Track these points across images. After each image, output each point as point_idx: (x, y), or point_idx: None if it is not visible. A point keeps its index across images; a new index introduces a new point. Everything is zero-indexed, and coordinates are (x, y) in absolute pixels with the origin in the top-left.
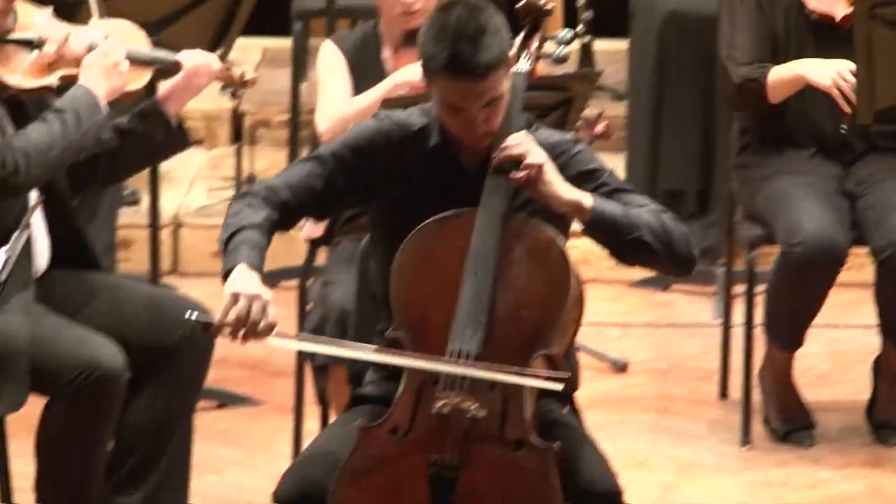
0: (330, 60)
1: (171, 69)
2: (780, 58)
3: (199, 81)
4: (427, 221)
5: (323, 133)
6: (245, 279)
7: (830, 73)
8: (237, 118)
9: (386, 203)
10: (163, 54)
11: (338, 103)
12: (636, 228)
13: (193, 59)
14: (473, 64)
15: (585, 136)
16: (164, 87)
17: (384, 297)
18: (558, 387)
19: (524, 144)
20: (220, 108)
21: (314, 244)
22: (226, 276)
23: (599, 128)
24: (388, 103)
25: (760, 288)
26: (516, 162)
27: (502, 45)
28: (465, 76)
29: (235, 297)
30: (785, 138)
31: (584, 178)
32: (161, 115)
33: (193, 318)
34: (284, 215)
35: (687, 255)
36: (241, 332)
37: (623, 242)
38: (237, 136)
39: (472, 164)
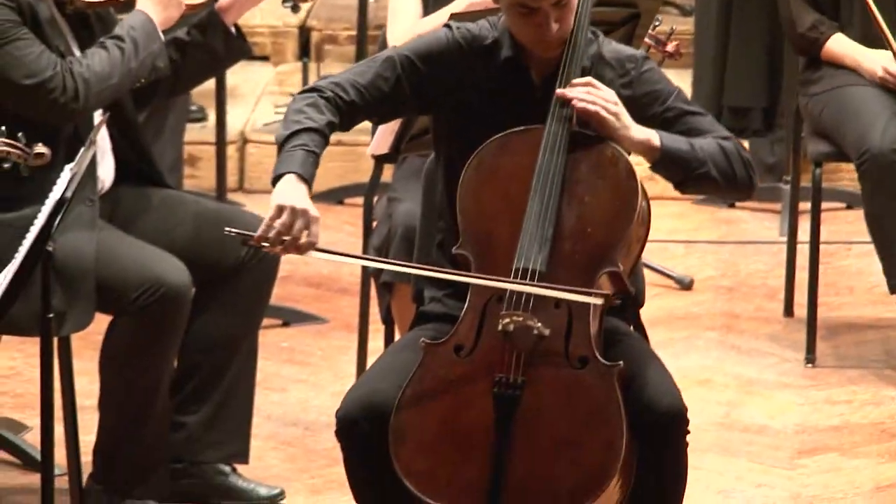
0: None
1: None
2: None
3: None
4: (494, 137)
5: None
6: (293, 191)
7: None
8: (304, 33)
9: (452, 115)
10: None
11: (410, 21)
12: (702, 164)
13: None
14: None
15: (656, 56)
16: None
17: (450, 213)
18: (619, 302)
19: (594, 92)
20: (287, 24)
21: (380, 160)
22: (275, 180)
23: (670, 47)
24: (457, 16)
25: (827, 205)
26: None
27: None
28: None
29: (280, 210)
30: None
31: (652, 97)
32: (220, 24)
33: (232, 233)
34: (347, 117)
35: (748, 184)
36: (280, 247)
37: (689, 177)
38: (304, 51)
39: (539, 78)
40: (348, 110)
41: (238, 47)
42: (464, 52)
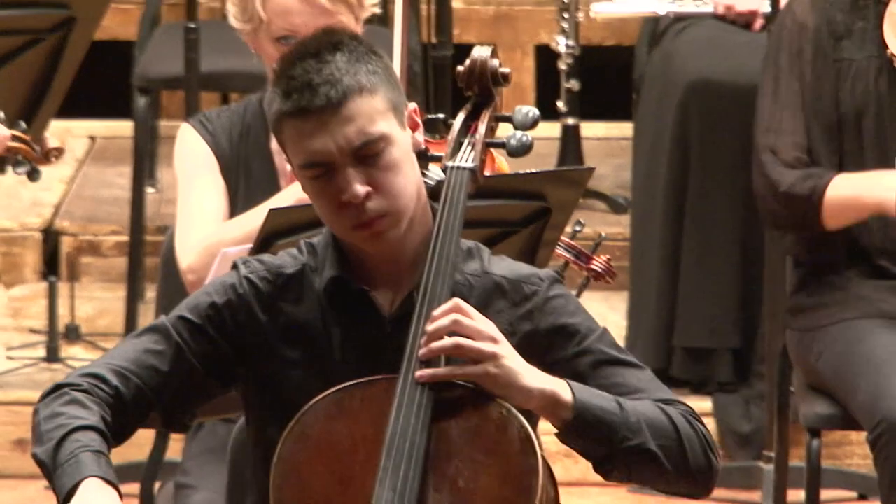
0: (192, 156)
1: None
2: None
3: None
4: (322, 395)
5: (187, 270)
6: (106, 499)
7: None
8: (50, 239)
9: (265, 378)
10: None
11: (207, 225)
12: (635, 433)
13: None
14: (317, 86)
15: (577, 276)
16: None
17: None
18: None
19: (461, 324)
20: (26, 226)
21: (164, 429)
22: (67, 498)
23: (598, 263)
24: (274, 215)
25: (829, 494)
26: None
27: (370, 67)
28: (313, 109)
29: None
30: (860, 261)
31: (562, 336)
32: None
33: None
34: (117, 414)
35: (706, 472)
36: None
37: (615, 453)
38: (50, 267)
39: (388, 302)
40: (116, 405)
41: None
42: (263, 296)
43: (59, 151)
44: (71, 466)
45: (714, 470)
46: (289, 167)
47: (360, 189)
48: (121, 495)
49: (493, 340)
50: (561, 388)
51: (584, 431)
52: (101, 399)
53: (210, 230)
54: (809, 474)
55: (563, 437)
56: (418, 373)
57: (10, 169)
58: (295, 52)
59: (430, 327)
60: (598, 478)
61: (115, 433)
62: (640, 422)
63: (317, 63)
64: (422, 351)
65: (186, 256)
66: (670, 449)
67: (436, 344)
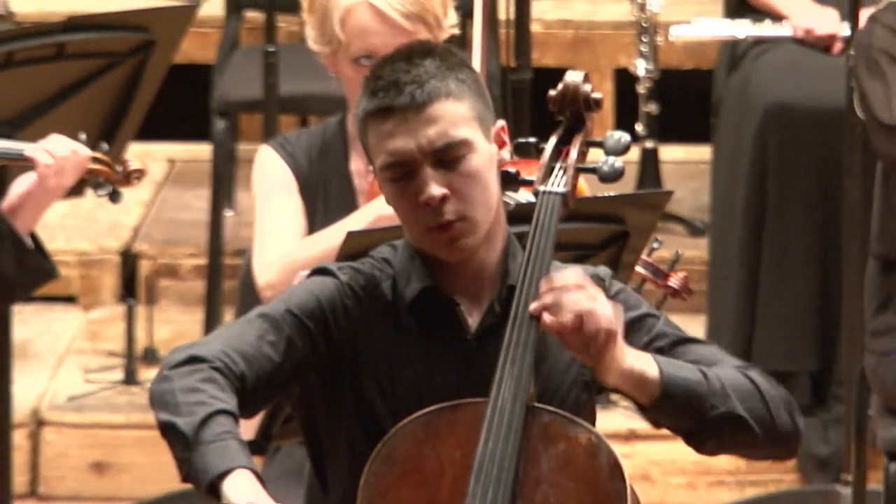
0: (271, 176)
1: (17, 165)
2: None
3: (61, 180)
4: (410, 418)
5: (265, 287)
6: (257, 492)
7: None
8: (128, 262)
9: (349, 388)
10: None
11: (285, 243)
12: (723, 399)
13: (49, 148)
14: (403, 85)
15: (655, 294)
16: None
17: None
18: None
19: (582, 297)
20: (104, 249)
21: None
22: (213, 483)
23: (674, 280)
24: (353, 239)
25: None
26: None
27: (460, 76)
28: (397, 107)
29: None
30: None
31: (632, 332)
32: (9, 233)
33: None
34: (242, 400)
35: (792, 432)
36: None
37: (706, 424)
38: (128, 289)
39: (472, 316)
40: (240, 389)
41: (37, 267)
42: (361, 302)
43: (141, 173)
44: (220, 449)
45: (799, 431)
46: (367, 184)
47: (437, 190)
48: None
49: (611, 315)
50: (647, 364)
51: (674, 405)
52: (231, 382)
53: (288, 247)
54: (887, 498)
55: (652, 414)
56: (533, 305)
57: (90, 192)
58: (387, 56)
59: (549, 286)
60: (675, 500)
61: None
62: (724, 388)
63: (406, 65)
64: (535, 305)
65: (264, 273)
66: (758, 411)
67: (551, 300)
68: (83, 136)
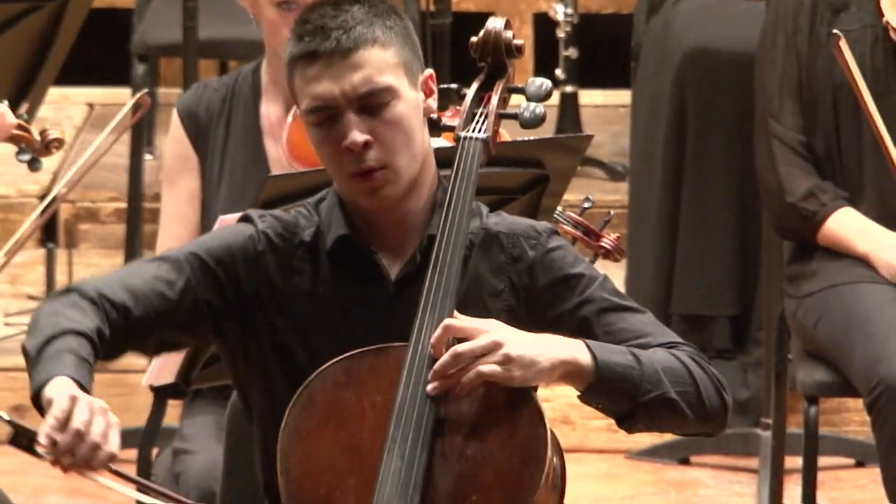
0: (171, 160)
1: None
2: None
3: None
4: (330, 362)
5: None
6: (75, 391)
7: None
8: (48, 207)
9: (266, 334)
10: None
11: (179, 237)
12: (656, 383)
13: None
14: (330, 31)
15: (586, 253)
16: None
17: (268, 473)
18: None
19: (454, 327)
20: (23, 192)
21: (161, 394)
22: (38, 390)
23: (607, 241)
24: (274, 183)
25: (827, 461)
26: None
27: (387, 23)
28: (322, 52)
29: (73, 401)
30: None
31: (564, 287)
32: None
33: (4, 418)
34: (117, 332)
35: (720, 409)
36: (73, 456)
37: (637, 406)
38: (49, 234)
39: (392, 265)
40: (120, 321)
41: None
42: (276, 251)
43: (60, 143)
44: (51, 363)
45: (728, 407)
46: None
47: (360, 136)
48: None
49: (487, 331)
50: (579, 351)
51: (606, 390)
52: (106, 313)
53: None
54: (807, 441)
55: (586, 398)
56: (429, 387)
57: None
58: (317, 1)
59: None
60: (594, 444)
61: (109, 348)
62: (657, 372)
63: (334, 10)
64: (429, 387)
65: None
66: (689, 394)
67: (437, 364)
68: (5, 103)
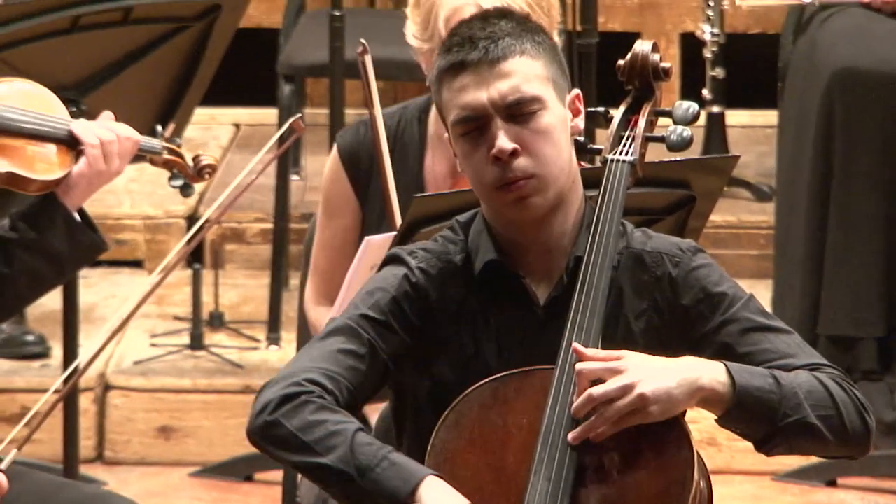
0: (329, 195)
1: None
2: None
3: (110, 165)
4: (477, 385)
5: (315, 321)
6: (453, 497)
7: None
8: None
9: (429, 363)
10: (49, 123)
11: (335, 254)
12: (796, 409)
13: (97, 131)
14: (478, 41)
15: None
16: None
17: None
18: None
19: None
20: (170, 213)
21: None
22: (407, 495)
23: None
24: (421, 203)
25: None
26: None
27: (536, 39)
28: (470, 62)
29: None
30: None
31: (706, 308)
32: (60, 210)
33: None
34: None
35: (863, 436)
36: None
37: (776, 431)
38: (195, 255)
39: (540, 288)
40: (337, 404)
41: (88, 242)
42: (433, 281)
43: (213, 168)
44: (391, 469)
45: (870, 431)
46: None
47: (508, 144)
48: None
49: (620, 371)
50: (718, 375)
51: (746, 415)
52: (334, 398)
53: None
54: None
55: (724, 421)
56: (570, 435)
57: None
58: (465, 19)
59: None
60: (741, 466)
61: None
62: (797, 395)
63: (482, 23)
64: (570, 436)
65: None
66: (830, 418)
67: (574, 407)
68: (158, 128)
